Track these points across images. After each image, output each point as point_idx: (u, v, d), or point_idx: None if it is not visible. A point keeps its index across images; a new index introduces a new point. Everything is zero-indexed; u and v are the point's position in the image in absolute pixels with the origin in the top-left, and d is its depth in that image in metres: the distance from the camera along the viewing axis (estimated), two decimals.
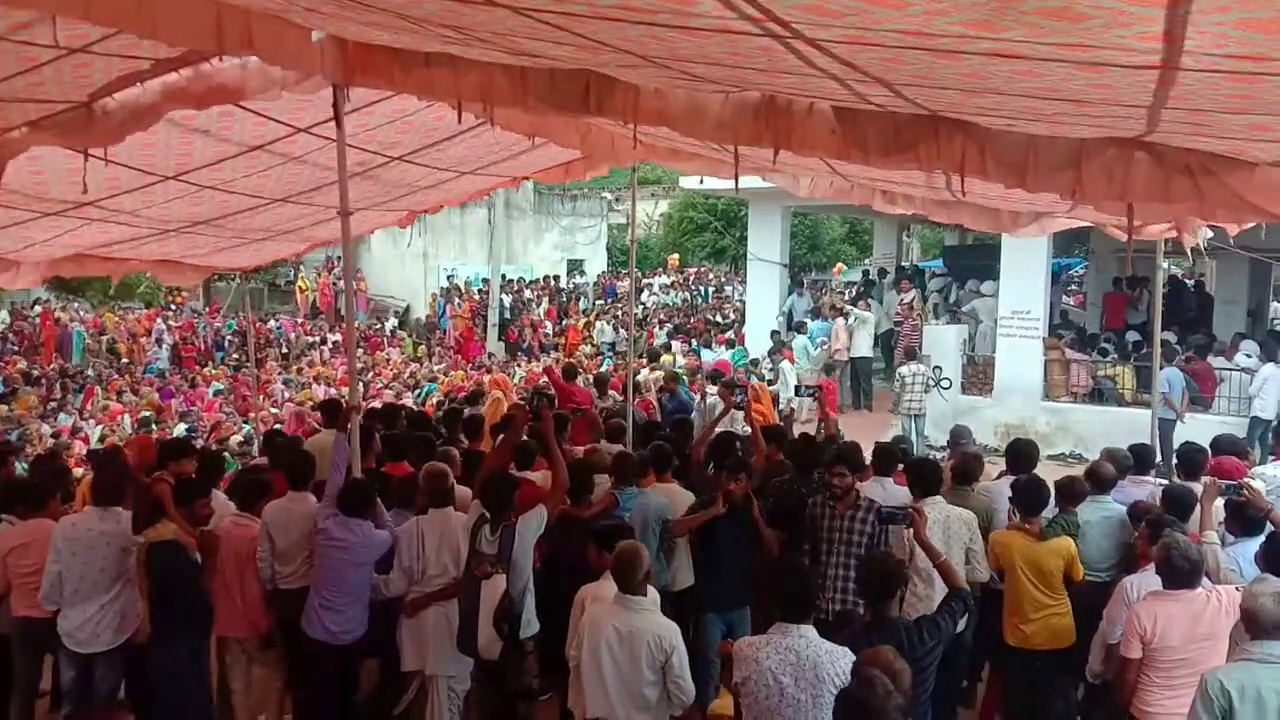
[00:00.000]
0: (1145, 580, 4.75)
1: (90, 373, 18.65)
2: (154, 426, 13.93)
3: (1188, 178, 3.53)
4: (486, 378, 16.71)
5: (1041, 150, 3.73)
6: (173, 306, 24.77)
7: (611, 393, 11.81)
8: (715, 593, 5.79)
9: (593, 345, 22.59)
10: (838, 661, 3.68)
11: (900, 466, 6.17)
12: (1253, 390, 12.26)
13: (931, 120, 3.76)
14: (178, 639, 4.98)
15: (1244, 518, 5.05)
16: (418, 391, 17.06)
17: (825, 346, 15.92)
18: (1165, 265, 9.57)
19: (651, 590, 4.36)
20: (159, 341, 21.44)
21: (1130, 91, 2.49)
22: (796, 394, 12.30)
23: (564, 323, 25.47)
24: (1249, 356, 13.22)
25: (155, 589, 5.04)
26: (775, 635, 3.80)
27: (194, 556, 5.15)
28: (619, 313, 24.12)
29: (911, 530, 4.74)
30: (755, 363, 16.50)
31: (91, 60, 4.06)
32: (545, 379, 12.70)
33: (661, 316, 25.05)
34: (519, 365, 20.33)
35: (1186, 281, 19.20)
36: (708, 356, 17.14)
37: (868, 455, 6.21)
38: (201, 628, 5.08)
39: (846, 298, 18.08)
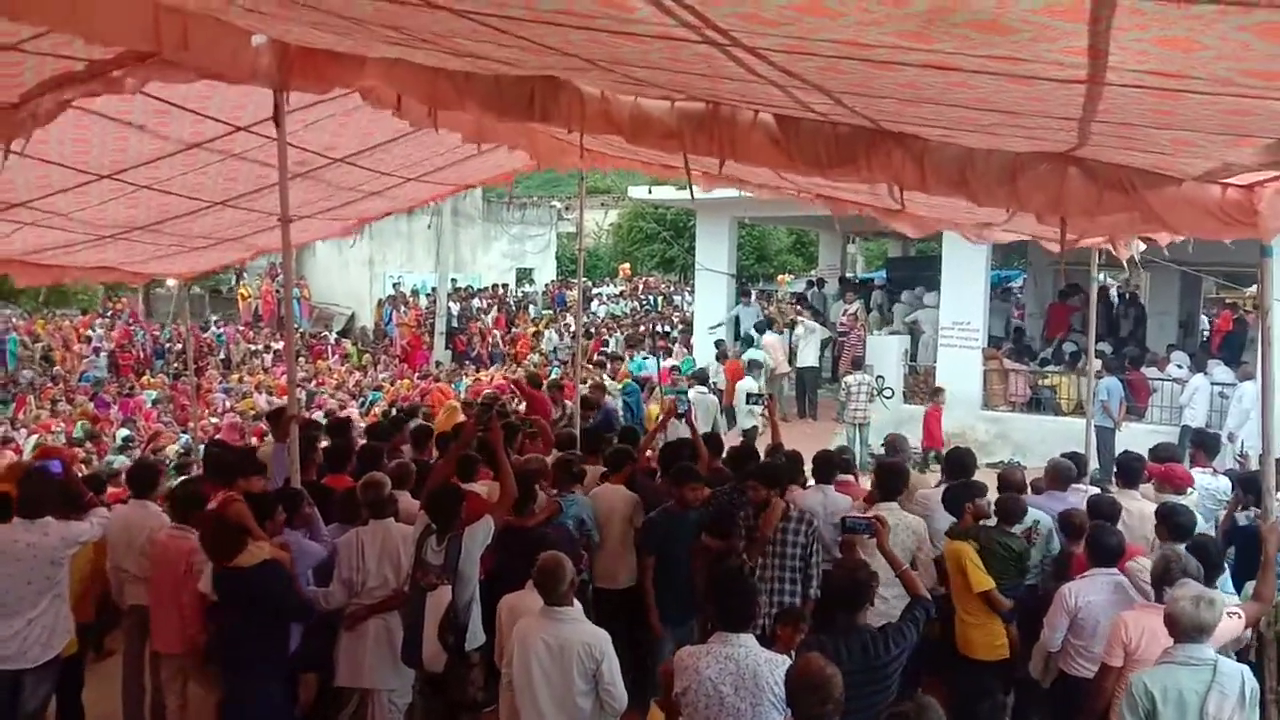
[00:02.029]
0: (1084, 587, 4.84)
1: (23, 381, 18.11)
2: (87, 442, 13.58)
3: (1119, 193, 3.62)
4: (434, 386, 16.55)
5: (978, 164, 3.80)
6: (109, 313, 24.16)
7: (567, 401, 11.78)
8: (669, 608, 5.75)
9: (541, 354, 22.49)
10: (776, 670, 3.68)
11: (840, 475, 6.27)
12: (1183, 400, 12.64)
13: (871, 133, 3.81)
14: (275, 659, 4.73)
15: (1173, 524, 5.16)
16: (362, 401, 16.83)
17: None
18: (1100, 277, 9.81)
19: (576, 602, 4.34)
20: (96, 350, 20.89)
21: (1060, 104, 2.55)
22: (747, 403, 12.36)
23: (512, 331, 25.33)
24: (1180, 367, 13.61)
25: (256, 612, 4.68)
26: (715, 644, 3.80)
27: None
28: (569, 321, 24.04)
29: (875, 540, 4.67)
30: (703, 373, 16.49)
31: (22, 59, 3.95)
32: (495, 391, 12.61)
33: (611, 325, 25.02)
34: (466, 374, 20.16)
35: (1122, 294, 19.65)
36: (653, 367, 17.09)
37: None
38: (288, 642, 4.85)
39: (797, 309, 18.15)
